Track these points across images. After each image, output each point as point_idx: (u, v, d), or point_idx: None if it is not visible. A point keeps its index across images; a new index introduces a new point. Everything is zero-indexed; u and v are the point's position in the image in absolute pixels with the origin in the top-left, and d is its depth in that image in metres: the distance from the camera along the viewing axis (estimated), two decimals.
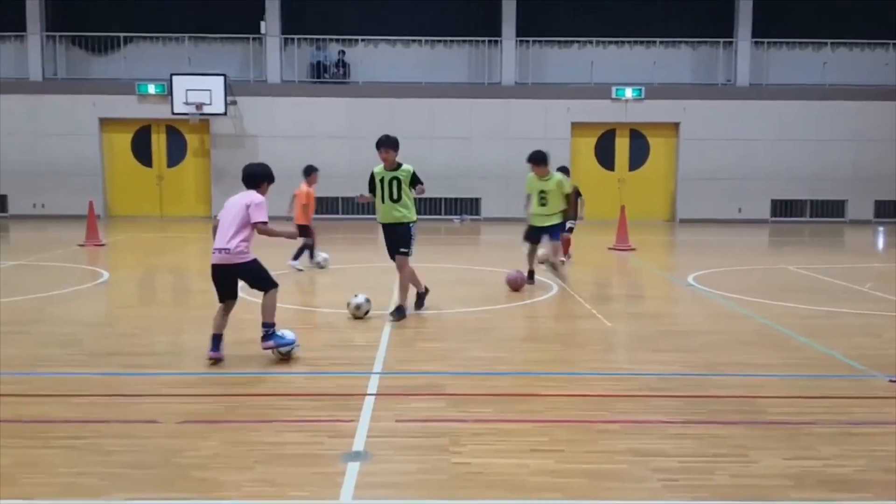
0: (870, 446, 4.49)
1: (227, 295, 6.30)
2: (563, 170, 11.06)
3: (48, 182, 20.50)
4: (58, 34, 21.24)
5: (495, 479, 3.97)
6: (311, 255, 11.42)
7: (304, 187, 11.33)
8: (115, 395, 5.36)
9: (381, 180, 8.11)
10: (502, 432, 4.65)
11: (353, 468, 4.07)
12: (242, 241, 6.13)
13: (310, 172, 11.43)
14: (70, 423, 4.75)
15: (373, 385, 5.59)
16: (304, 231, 10.78)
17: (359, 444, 4.42)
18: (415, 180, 8.11)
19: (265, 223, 6.20)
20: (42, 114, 20.57)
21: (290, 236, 7.02)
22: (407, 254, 8.00)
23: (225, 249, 6.09)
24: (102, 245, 14.43)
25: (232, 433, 4.59)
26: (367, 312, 7.83)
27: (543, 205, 9.75)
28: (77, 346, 6.76)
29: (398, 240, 8.03)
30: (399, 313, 7.80)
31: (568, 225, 10.72)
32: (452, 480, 3.96)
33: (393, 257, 8.14)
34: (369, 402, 5.19)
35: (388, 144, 8.17)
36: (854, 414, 5.12)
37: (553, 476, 4.02)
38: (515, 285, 9.57)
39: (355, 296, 7.91)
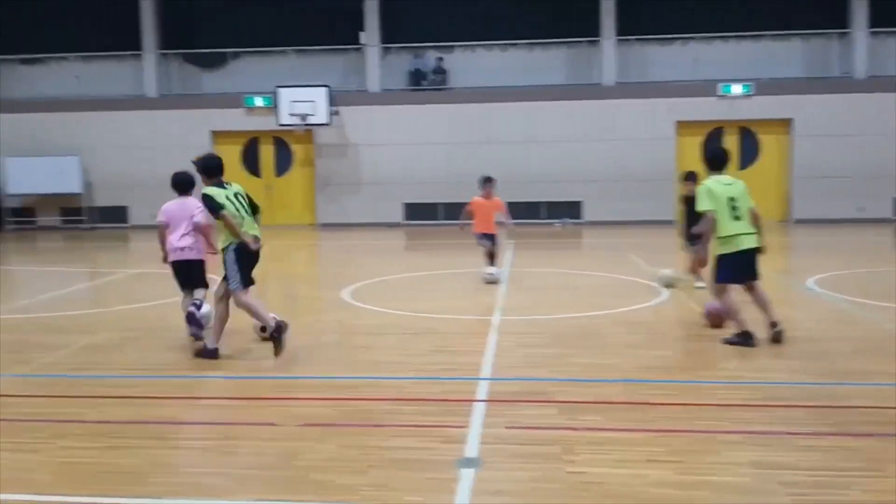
0: None
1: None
2: (693, 176, 9.19)
3: (166, 193, 21.46)
4: (170, 52, 22.30)
5: (613, 489, 3.87)
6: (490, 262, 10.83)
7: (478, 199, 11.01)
8: (235, 399, 5.56)
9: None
10: (616, 441, 4.54)
11: (466, 475, 4.06)
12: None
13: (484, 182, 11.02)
14: (194, 425, 4.94)
15: (481, 391, 5.57)
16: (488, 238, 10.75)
17: (471, 450, 4.41)
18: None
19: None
20: (158, 128, 21.64)
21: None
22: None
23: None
24: (216, 253, 14.99)
25: (346, 437, 4.66)
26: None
27: (739, 218, 7.01)
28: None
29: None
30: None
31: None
32: (568, 490, 3.89)
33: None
34: (479, 408, 5.18)
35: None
36: None
37: (674, 488, 3.88)
38: (717, 320, 7.46)
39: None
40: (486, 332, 7.50)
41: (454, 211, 21.20)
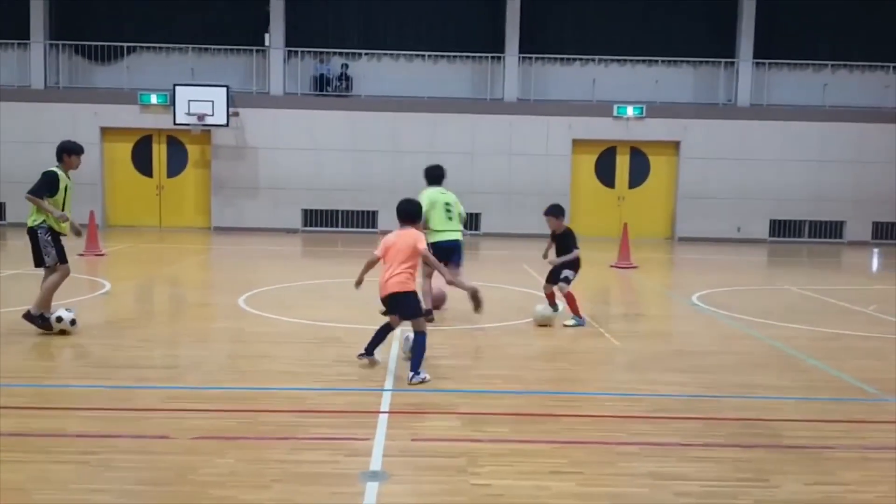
0: (890, 472, 4.45)
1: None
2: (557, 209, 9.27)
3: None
4: (61, 42, 21.21)
5: (517, 502, 3.92)
6: None
7: None
8: (124, 409, 5.29)
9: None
10: (520, 453, 4.60)
11: (371, 488, 4.01)
12: None
13: None
14: (81, 438, 4.68)
15: (385, 402, 5.54)
16: None
17: (376, 463, 4.37)
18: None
19: None
20: (43, 122, 20.48)
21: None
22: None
23: None
24: (102, 255, 14.36)
25: (246, 450, 4.52)
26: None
27: (451, 219, 8.74)
28: (84, 358, 6.69)
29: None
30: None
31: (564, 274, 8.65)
32: (473, 503, 3.91)
33: None
34: (383, 419, 5.14)
35: None
36: (870, 438, 5.08)
37: (576, 499, 3.97)
38: (438, 302, 8.89)
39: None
40: (388, 342, 7.45)
41: (355, 218, 21.15)
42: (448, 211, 8.75)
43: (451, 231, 8.74)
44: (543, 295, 9.01)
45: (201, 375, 6.29)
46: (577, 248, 8.75)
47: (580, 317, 8.62)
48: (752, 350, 7.68)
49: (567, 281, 8.60)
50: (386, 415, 5.24)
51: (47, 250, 7.54)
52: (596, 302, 11.29)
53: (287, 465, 4.30)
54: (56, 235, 7.60)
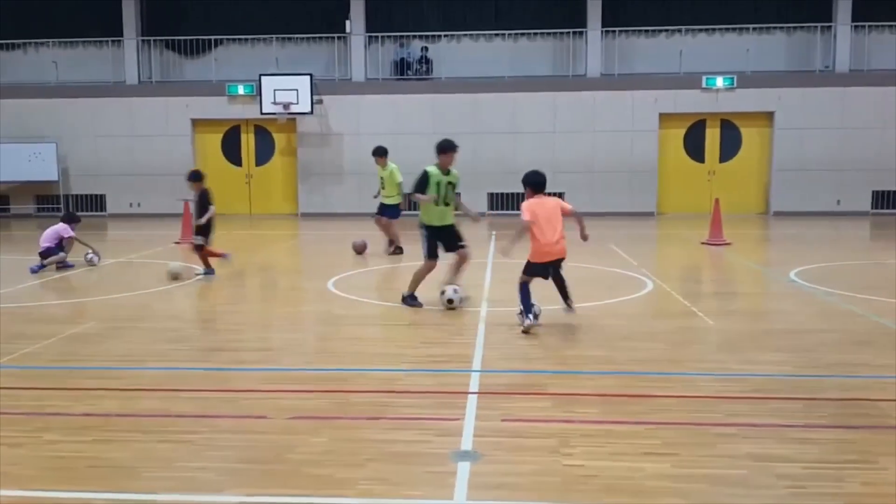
0: None
1: None
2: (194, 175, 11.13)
3: (144, 182, 21.27)
4: (152, 38, 22.00)
5: (611, 483, 3.86)
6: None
7: None
8: (224, 391, 5.47)
9: (438, 183, 8.30)
10: (613, 434, 4.53)
11: (463, 468, 4.03)
12: None
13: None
14: (183, 418, 4.86)
15: (474, 383, 5.55)
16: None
17: (467, 443, 4.38)
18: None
19: None
20: (138, 116, 21.34)
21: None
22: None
23: None
24: None
25: (341, 430, 4.61)
26: (459, 301, 8.08)
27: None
28: (183, 342, 6.95)
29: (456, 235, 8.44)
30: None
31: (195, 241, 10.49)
32: (567, 483, 3.87)
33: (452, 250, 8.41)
34: (472, 400, 5.15)
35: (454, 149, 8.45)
36: None
37: (671, 481, 3.88)
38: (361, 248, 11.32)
39: (445, 289, 8.06)
40: (475, 323, 7.48)
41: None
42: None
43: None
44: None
45: (295, 357, 6.45)
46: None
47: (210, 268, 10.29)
48: (854, 327, 7.34)
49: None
50: (475, 395, 5.25)
51: (422, 243, 8.36)
52: (687, 280, 11.02)
53: (380, 444, 4.36)
54: (432, 230, 8.29)
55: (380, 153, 13.07)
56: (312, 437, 4.49)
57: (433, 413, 4.92)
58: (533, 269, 7.13)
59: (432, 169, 8.38)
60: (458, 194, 8.61)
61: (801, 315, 8.01)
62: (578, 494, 3.75)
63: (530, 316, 6.98)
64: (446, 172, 8.42)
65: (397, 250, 12.83)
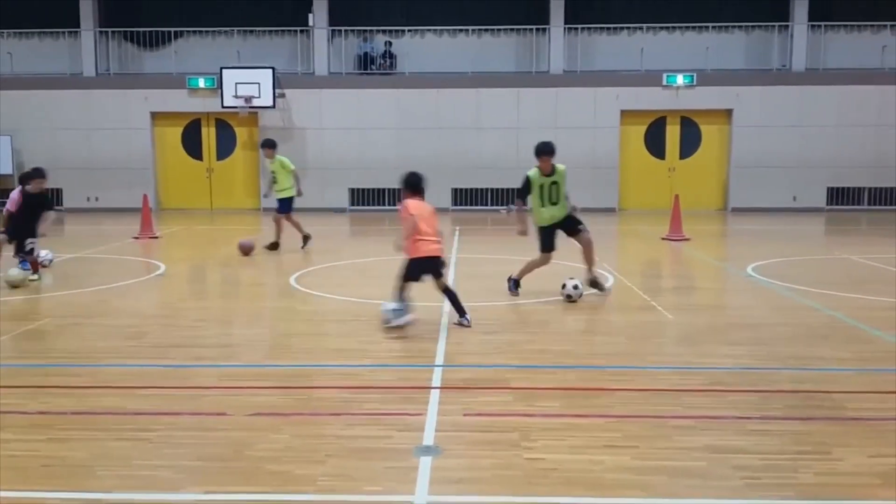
0: None
1: None
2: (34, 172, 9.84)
3: (102, 176, 20.89)
4: (110, 29, 21.59)
5: (571, 476, 3.89)
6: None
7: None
8: (181, 388, 5.40)
9: (542, 185, 8.51)
10: (573, 427, 4.56)
11: (425, 463, 4.02)
12: None
13: None
14: (141, 416, 4.78)
15: (436, 378, 5.55)
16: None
17: (429, 437, 4.38)
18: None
19: None
20: (95, 109, 20.95)
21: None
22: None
23: None
24: (156, 237, 14.66)
25: (302, 426, 4.58)
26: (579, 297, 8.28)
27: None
28: (140, 338, 6.84)
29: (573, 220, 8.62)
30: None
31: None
32: (528, 476, 3.89)
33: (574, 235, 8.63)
34: (435, 395, 5.15)
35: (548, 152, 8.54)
36: None
37: (631, 473, 3.92)
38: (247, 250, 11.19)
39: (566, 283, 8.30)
40: (437, 319, 7.47)
41: (401, 196, 21.13)
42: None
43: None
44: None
45: (255, 353, 6.39)
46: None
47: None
48: (810, 321, 7.49)
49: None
50: (437, 390, 5.25)
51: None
52: (647, 275, 11.15)
53: (341, 440, 4.34)
54: (543, 229, 8.56)
55: (269, 145, 12.54)
56: (272, 433, 4.44)
57: (395, 408, 4.91)
58: (412, 268, 7.04)
59: (533, 173, 8.52)
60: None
61: (758, 309, 8.15)
62: (539, 488, 3.77)
63: (397, 312, 6.92)
64: (549, 174, 8.51)
65: (274, 246, 12.50)
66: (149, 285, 9.77)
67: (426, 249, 7.00)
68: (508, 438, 4.37)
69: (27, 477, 3.89)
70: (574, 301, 8.26)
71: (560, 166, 8.57)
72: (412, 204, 7.10)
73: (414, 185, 7.26)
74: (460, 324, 7.11)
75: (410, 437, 4.39)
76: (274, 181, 12.49)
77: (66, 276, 10.22)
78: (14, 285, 9.06)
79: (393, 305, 7.02)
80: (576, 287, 8.29)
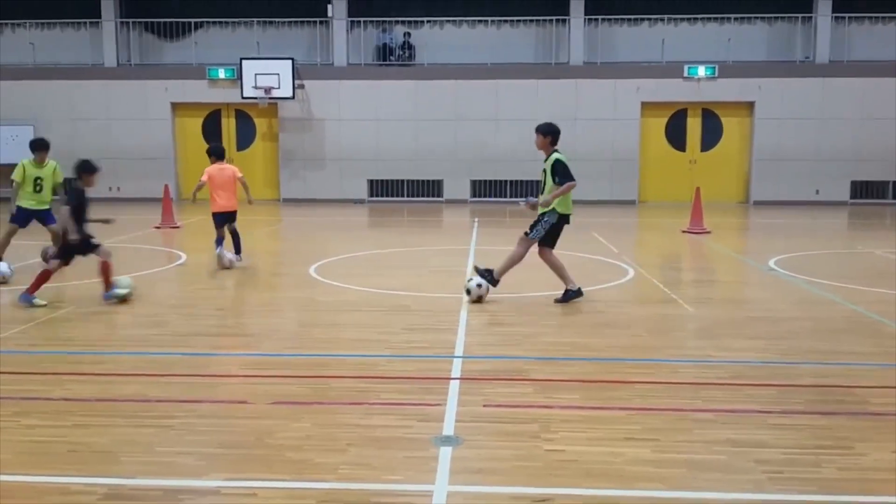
0: None
1: None
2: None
3: (123, 166, 21.04)
4: (131, 20, 21.71)
5: (591, 468, 3.89)
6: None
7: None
8: (203, 376, 5.45)
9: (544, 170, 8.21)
10: (593, 420, 4.56)
11: (445, 453, 4.03)
12: None
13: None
14: (163, 403, 4.83)
15: (456, 369, 5.55)
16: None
17: (448, 428, 4.38)
18: (554, 172, 7.88)
19: None
20: (116, 99, 21.10)
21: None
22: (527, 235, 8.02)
23: None
24: (177, 227, 14.76)
25: (322, 415, 4.60)
26: (478, 298, 7.77)
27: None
28: (163, 326, 6.90)
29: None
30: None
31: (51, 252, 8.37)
32: (547, 468, 3.89)
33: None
34: (454, 386, 5.15)
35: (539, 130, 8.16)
36: None
37: (651, 466, 3.91)
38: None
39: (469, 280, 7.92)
40: (457, 309, 7.48)
41: (419, 188, 21.18)
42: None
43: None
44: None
45: (275, 343, 6.42)
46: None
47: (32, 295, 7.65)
48: (832, 315, 7.43)
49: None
50: (457, 381, 5.26)
51: (542, 229, 7.99)
52: (668, 268, 11.09)
53: (360, 429, 4.36)
54: (564, 219, 8.04)
55: (41, 147, 10.01)
56: (293, 422, 4.47)
57: (415, 398, 4.93)
58: (216, 219, 10.11)
59: (562, 156, 8.01)
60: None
61: (779, 303, 8.09)
62: (559, 479, 3.77)
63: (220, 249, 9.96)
64: (546, 158, 8.13)
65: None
66: (170, 274, 9.84)
67: (218, 205, 10.32)
68: (528, 430, 4.37)
69: (53, 462, 3.94)
70: (472, 301, 7.75)
71: (554, 156, 7.98)
72: (210, 169, 10.36)
73: (216, 152, 10.53)
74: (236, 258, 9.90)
75: (430, 427, 4.40)
76: (35, 190, 9.92)
77: (89, 266, 10.30)
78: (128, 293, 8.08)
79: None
80: (479, 286, 7.79)
